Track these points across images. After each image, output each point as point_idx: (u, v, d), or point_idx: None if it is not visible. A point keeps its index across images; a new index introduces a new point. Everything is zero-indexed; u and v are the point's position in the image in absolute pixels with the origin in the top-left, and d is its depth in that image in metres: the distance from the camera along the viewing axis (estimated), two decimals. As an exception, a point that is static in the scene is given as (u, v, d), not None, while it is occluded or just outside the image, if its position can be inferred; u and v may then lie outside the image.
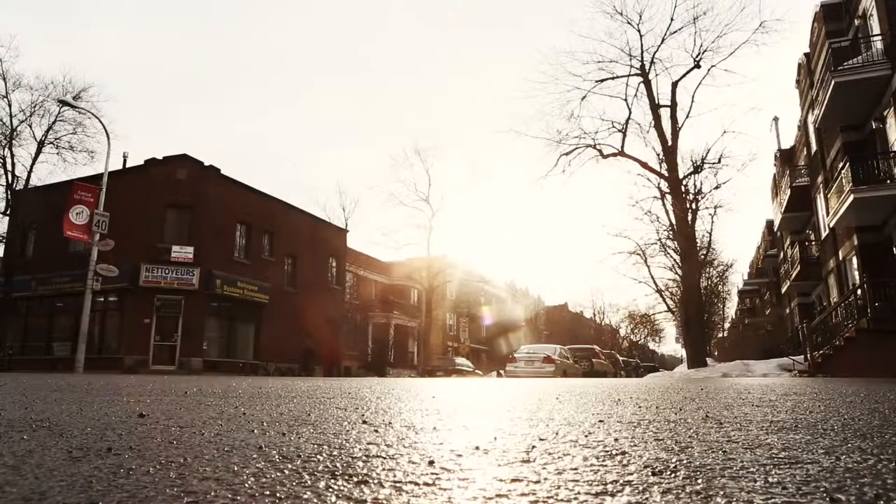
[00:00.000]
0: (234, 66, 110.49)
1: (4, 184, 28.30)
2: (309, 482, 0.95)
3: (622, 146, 23.57)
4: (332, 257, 35.53)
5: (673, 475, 1.00)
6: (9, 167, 28.17)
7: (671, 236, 27.74)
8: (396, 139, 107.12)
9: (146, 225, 24.06)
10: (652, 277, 33.94)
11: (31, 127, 28.59)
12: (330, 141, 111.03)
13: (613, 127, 23.79)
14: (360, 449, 1.29)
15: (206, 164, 26.53)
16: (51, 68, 60.50)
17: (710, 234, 33.11)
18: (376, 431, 1.58)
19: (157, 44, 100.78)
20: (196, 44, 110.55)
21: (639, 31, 23.18)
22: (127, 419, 1.79)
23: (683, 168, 24.04)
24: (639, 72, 23.24)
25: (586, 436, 1.50)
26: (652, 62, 23.17)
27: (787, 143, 31.73)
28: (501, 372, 29.73)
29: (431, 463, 1.12)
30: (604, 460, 1.15)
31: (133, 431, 1.53)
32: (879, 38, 16.38)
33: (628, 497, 0.86)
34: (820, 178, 22.50)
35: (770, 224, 40.09)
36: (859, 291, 14.65)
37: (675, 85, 22.86)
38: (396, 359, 41.23)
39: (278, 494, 0.87)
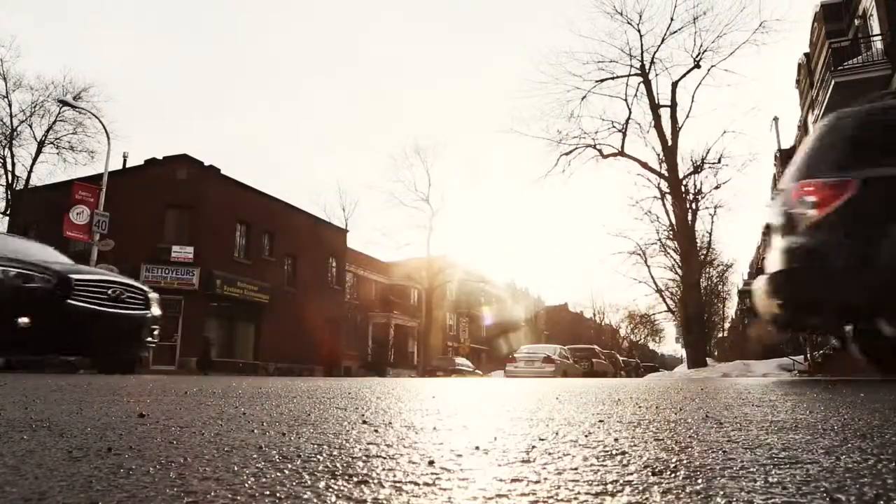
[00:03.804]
0: (233, 67, 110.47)
1: (4, 184, 28.33)
2: (309, 482, 0.95)
3: (622, 146, 23.60)
4: (332, 257, 35.52)
5: (673, 475, 1.00)
6: (9, 167, 28.19)
7: (671, 236, 27.76)
8: (397, 139, 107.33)
9: (146, 225, 24.05)
10: (652, 277, 34.01)
11: (31, 127, 28.63)
12: (330, 141, 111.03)
13: (613, 127, 23.83)
14: (360, 449, 1.29)
15: (206, 164, 26.52)
16: (51, 69, 60.53)
17: (710, 234, 33.15)
18: (376, 431, 1.58)
19: (158, 44, 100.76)
20: (196, 44, 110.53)
21: (639, 31, 23.23)
22: (127, 419, 1.80)
23: (683, 168, 24.08)
24: (639, 72, 23.26)
25: (586, 436, 1.50)
26: (652, 62, 23.21)
27: (787, 143, 31.70)
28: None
29: (431, 463, 1.12)
30: (604, 460, 1.16)
31: (133, 431, 1.53)
32: (879, 38, 16.37)
33: (628, 497, 0.86)
34: (820, 178, 22.45)
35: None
36: (859, 291, 14.61)
37: (675, 85, 22.90)
38: (396, 359, 41.24)
39: (278, 494, 0.87)
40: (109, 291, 6.74)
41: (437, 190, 52.22)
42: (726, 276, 50.31)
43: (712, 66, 22.52)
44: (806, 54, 24.11)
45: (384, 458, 1.18)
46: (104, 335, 6.83)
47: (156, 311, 7.45)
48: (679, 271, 27.16)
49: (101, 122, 21.55)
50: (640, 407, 2.37)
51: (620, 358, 35.70)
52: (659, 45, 22.99)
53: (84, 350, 7.23)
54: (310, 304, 30.06)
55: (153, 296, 7.48)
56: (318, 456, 1.19)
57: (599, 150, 23.71)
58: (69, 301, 6.35)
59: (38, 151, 28.55)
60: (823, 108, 17.39)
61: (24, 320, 5.99)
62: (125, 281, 7.22)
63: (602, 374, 23.01)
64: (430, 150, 70.73)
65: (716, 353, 53.61)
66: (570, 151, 23.73)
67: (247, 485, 0.92)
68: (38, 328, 6.10)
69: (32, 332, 6.09)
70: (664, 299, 37.18)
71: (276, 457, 1.18)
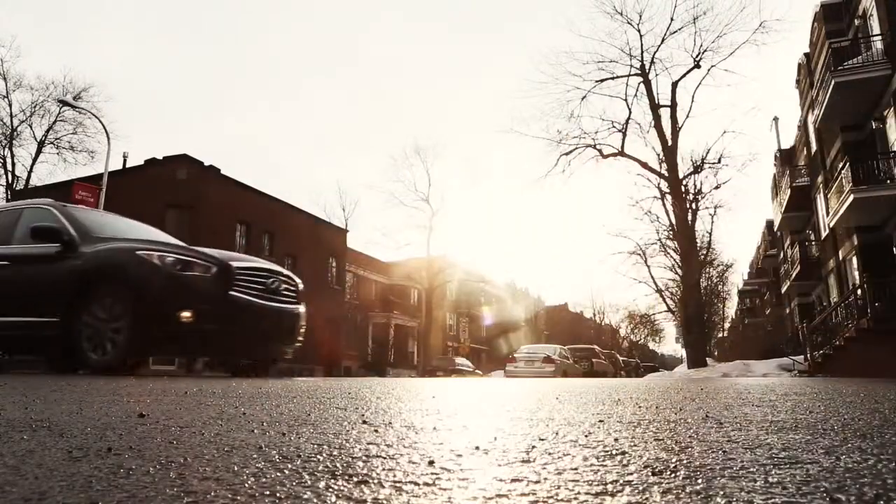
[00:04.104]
0: (233, 67, 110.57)
1: (4, 184, 28.33)
2: (309, 482, 0.95)
3: (622, 146, 23.60)
4: (332, 257, 35.50)
5: (673, 475, 1.00)
6: (9, 167, 28.17)
7: (671, 236, 27.77)
8: (397, 139, 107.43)
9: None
10: (652, 277, 34.04)
11: (31, 127, 28.63)
12: (330, 141, 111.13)
13: (613, 127, 23.82)
14: (360, 449, 1.29)
15: (206, 164, 26.51)
16: (51, 69, 60.56)
17: (710, 234, 33.18)
18: (376, 431, 1.58)
19: (158, 44, 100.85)
20: (196, 44, 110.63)
21: (639, 31, 23.23)
22: (127, 419, 1.80)
23: (683, 168, 24.07)
24: (639, 72, 23.26)
25: (586, 436, 1.50)
26: (652, 62, 23.21)
27: (787, 143, 31.71)
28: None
29: (431, 463, 1.12)
30: (604, 460, 1.15)
31: (133, 431, 1.53)
32: (879, 38, 16.37)
33: (628, 497, 0.86)
34: (820, 178, 22.49)
35: (770, 224, 40.08)
36: (859, 291, 14.65)
37: (675, 85, 22.89)
38: (396, 359, 41.22)
39: (278, 494, 0.87)
40: (269, 282, 5.87)
41: (437, 190, 52.32)
42: (726, 276, 50.36)
43: (712, 66, 22.53)
44: (806, 54, 24.12)
45: (384, 458, 1.18)
46: (264, 333, 5.94)
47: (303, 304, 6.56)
48: (679, 271, 27.17)
49: (101, 122, 21.58)
50: (640, 407, 2.37)
51: (620, 358, 35.69)
52: (659, 45, 23.00)
53: (243, 350, 6.16)
54: (310, 304, 29.99)
55: (301, 287, 6.64)
56: (318, 456, 1.19)
57: (599, 150, 23.73)
58: (231, 293, 5.46)
59: (38, 151, 28.56)
60: (823, 108, 17.38)
61: (185, 315, 5.14)
62: (280, 270, 6.30)
63: (602, 374, 23.01)
64: (430, 150, 70.81)
65: (716, 353, 53.58)
66: (570, 151, 23.74)
67: (247, 485, 0.92)
68: (200, 324, 5.22)
69: (193, 329, 5.21)
70: (664, 299, 37.20)
71: (276, 457, 1.18)
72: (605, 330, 76.68)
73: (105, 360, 5.21)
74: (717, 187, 26.65)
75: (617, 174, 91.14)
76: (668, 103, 22.74)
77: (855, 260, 18.70)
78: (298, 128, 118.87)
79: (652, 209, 29.87)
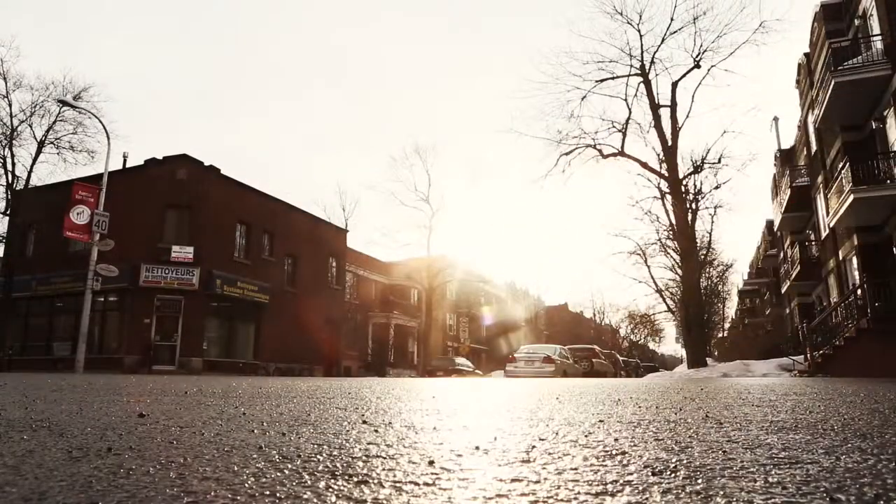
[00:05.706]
0: (234, 67, 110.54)
1: (4, 184, 28.28)
2: (309, 482, 0.95)
3: (622, 146, 23.55)
4: (332, 257, 35.49)
5: (673, 475, 1.00)
6: (9, 167, 28.15)
7: (671, 236, 27.76)
8: (397, 139, 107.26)
9: (146, 225, 24.04)
10: (652, 277, 34.02)
11: (31, 127, 28.55)
12: (330, 141, 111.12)
13: (613, 127, 23.78)
14: (360, 449, 1.29)
15: (206, 164, 26.51)
16: (51, 69, 60.43)
17: (710, 234, 33.15)
18: (376, 431, 1.58)
19: (158, 44, 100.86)
20: (197, 44, 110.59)
21: (639, 31, 23.17)
22: (127, 419, 1.79)
23: (683, 168, 24.02)
24: (639, 72, 23.23)
25: (586, 436, 1.50)
26: (652, 62, 23.17)
27: (787, 143, 31.70)
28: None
29: (431, 463, 1.12)
30: (604, 460, 1.15)
31: (133, 431, 1.53)
32: (879, 38, 16.38)
33: (628, 497, 0.86)
34: (820, 178, 22.49)
35: (770, 224, 40.08)
36: (859, 291, 14.64)
37: (675, 85, 22.85)
38: (396, 359, 41.21)
39: (278, 494, 0.87)
40: None
41: (436, 190, 52.69)
42: (726, 276, 50.32)
43: (712, 66, 22.48)
44: (806, 54, 24.11)
45: (384, 458, 1.18)
46: None
47: None
48: (679, 271, 27.16)
49: (101, 122, 21.57)
50: (640, 407, 2.37)
51: (620, 358, 35.68)
52: (659, 45, 22.95)
53: None
54: (310, 304, 30.03)
55: None
56: (318, 456, 1.19)
57: (599, 150, 23.69)
58: None
59: (38, 151, 28.52)
60: (823, 108, 17.38)
61: None
62: None
63: (602, 374, 22.98)
64: (430, 149, 70.79)
65: (716, 353, 53.60)
66: (570, 151, 23.70)
67: (247, 485, 0.92)
68: None
69: None
70: (664, 299, 37.19)
71: (276, 457, 1.18)
72: (605, 330, 76.59)
73: None
74: (717, 187, 26.64)
75: (617, 174, 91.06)
76: (668, 103, 22.72)
77: (855, 260, 18.69)
78: (299, 127, 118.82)
79: (652, 209, 29.93)
